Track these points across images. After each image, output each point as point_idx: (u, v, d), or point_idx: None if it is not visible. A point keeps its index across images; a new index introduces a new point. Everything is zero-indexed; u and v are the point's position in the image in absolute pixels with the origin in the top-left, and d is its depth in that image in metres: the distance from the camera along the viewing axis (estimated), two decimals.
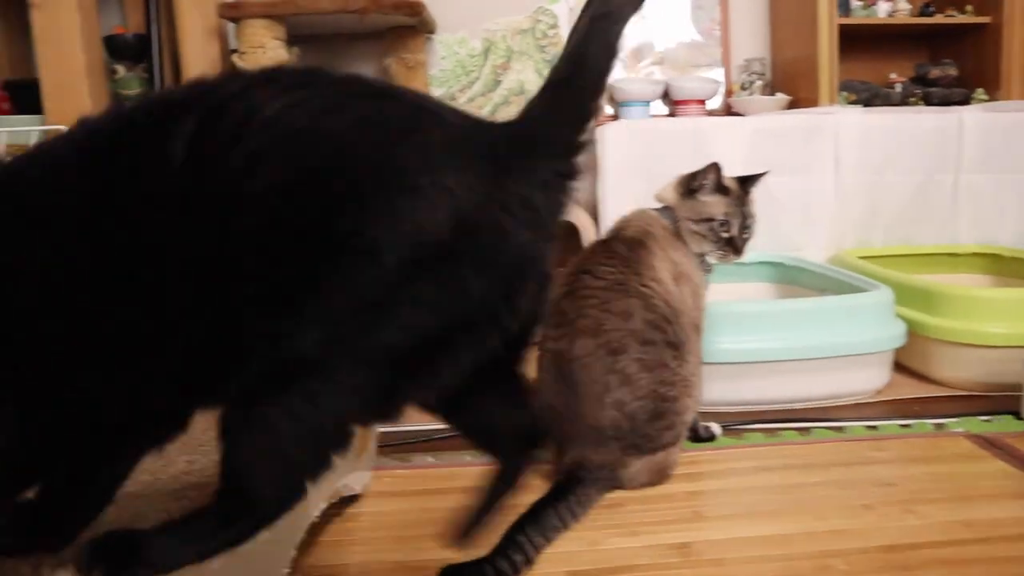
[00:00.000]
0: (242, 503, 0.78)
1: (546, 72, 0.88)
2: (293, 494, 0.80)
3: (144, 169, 0.72)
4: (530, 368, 1.54)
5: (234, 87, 0.75)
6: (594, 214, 2.47)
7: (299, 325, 0.71)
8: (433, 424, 1.84)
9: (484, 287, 0.74)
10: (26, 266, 0.73)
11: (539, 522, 1.22)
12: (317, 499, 1.21)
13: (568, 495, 1.30)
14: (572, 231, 2.40)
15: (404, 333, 0.73)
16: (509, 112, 2.91)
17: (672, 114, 2.95)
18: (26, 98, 2.57)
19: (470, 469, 1.64)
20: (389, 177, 0.71)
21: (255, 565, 0.94)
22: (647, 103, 2.88)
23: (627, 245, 1.52)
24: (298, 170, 0.70)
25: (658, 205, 1.65)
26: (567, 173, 0.80)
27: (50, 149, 0.79)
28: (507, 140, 0.78)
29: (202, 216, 0.71)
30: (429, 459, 1.69)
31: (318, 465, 0.79)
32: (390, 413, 0.80)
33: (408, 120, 0.75)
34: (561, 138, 0.80)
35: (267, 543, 0.92)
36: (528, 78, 2.95)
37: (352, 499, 1.44)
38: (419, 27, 2.68)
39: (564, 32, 2.96)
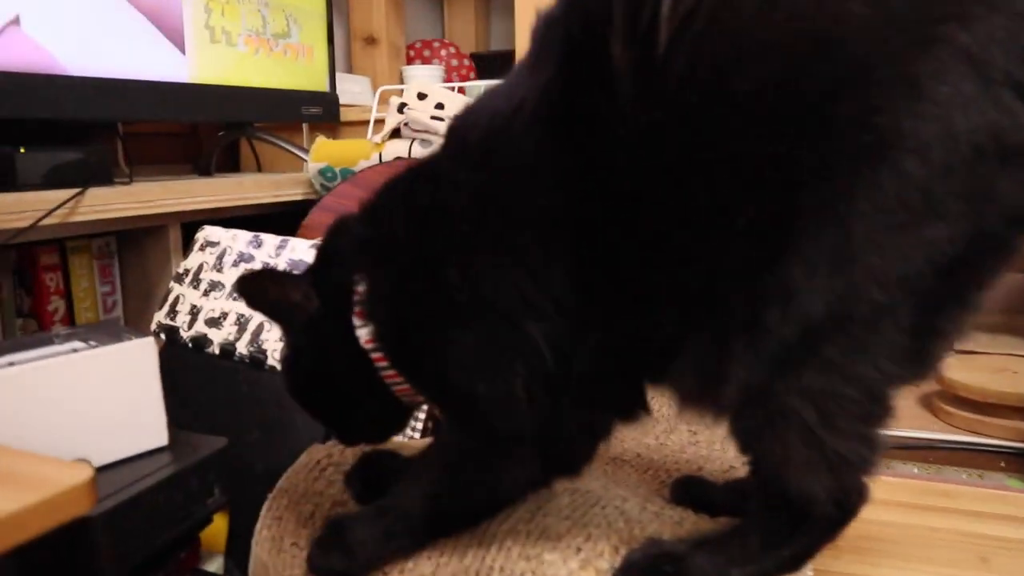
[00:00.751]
0: (795, 513, 0.67)
1: None
2: (857, 496, 0.67)
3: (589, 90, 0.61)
4: None
5: None
6: None
7: (807, 270, 0.58)
8: (918, 431, 1.69)
9: (1010, 188, 0.57)
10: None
11: None
12: None
13: None
14: None
15: (929, 256, 0.57)
16: None
17: None
18: (489, 70, 2.76)
19: (964, 489, 1.42)
20: (897, 41, 0.55)
21: None
22: None
23: None
24: (791, 54, 0.56)
25: None
26: None
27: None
28: None
29: (668, 132, 0.59)
30: (913, 469, 1.49)
31: (872, 452, 0.65)
32: (925, 366, 0.65)
33: None
34: None
35: None
36: None
37: None
38: None
39: None
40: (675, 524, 0.75)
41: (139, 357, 0.91)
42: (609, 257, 0.64)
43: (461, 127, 0.70)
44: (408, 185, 0.72)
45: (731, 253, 0.60)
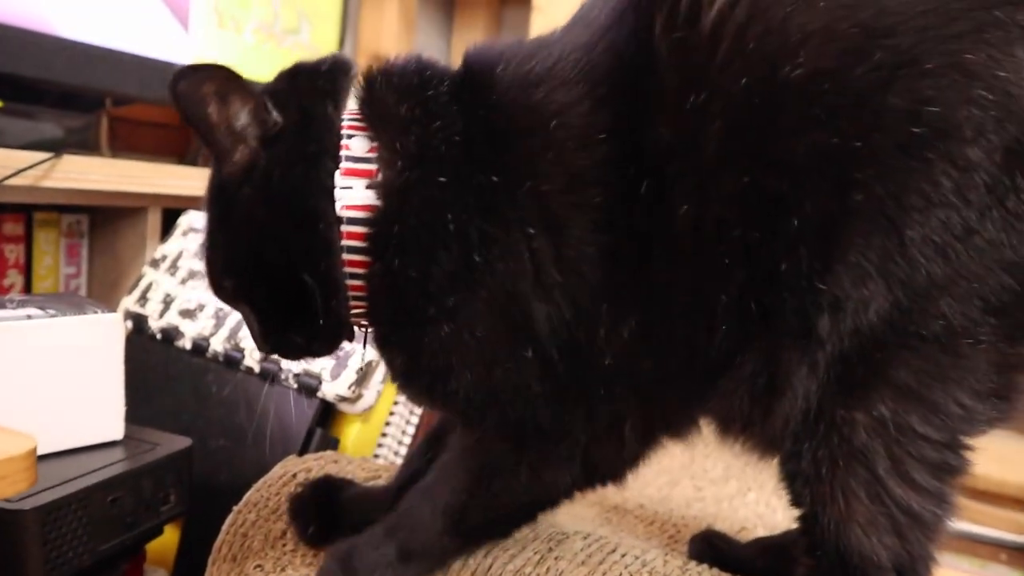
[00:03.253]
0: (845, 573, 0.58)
1: None
2: (924, 567, 0.59)
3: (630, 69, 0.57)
4: None
5: None
6: None
7: (854, 276, 0.53)
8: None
9: None
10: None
11: None
12: None
13: None
14: None
15: (1006, 265, 0.52)
16: None
17: None
18: None
19: None
20: (948, 28, 0.52)
21: None
22: None
23: None
24: (841, 42, 0.53)
25: None
26: None
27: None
28: None
29: (705, 130, 0.55)
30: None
31: (945, 514, 0.58)
32: (1009, 407, 0.58)
33: None
34: None
35: None
36: None
37: None
38: None
39: None
40: None
41: (103, 334, 0.80)
42: (647, 245, 0.57)
43: (487, 65, 0.61)
44: (443, 95, 0.60)
45: (785, 255, 0.55)
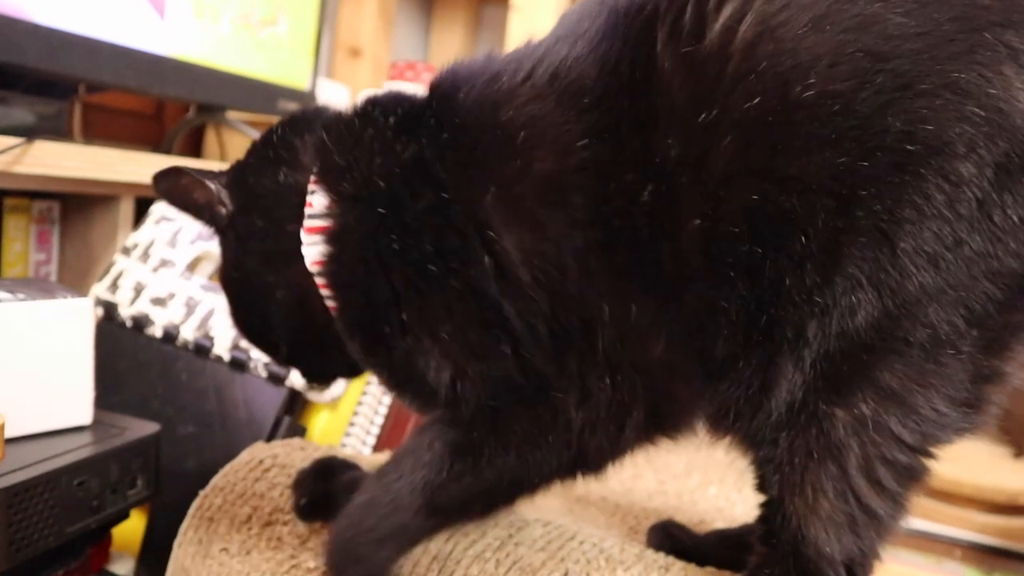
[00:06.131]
0: (800, 571, 0.60)
1: None
2: (869, 567, 0.61)
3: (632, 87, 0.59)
4: None
5: None
6: None
7: (846, 284, 0.55)
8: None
9: None
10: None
11: None
12: None
13: None
14: None
15: (991, 275, 0.55)
16: None
17: None
18: None
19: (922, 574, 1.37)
20: (941, 49, 0.54)
21: None
22: None
23: None
24: (857, 64, 0.55)
25: None
26: None
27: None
28: None
29: (716, 139, 0.56)
30: None
31: (898, 520, 0.60)
32: (979, 416, 0.60)
33: None
34: None
35: None
36: None
37: None
38: None
39: None
40: (661, 569, 0.68)
41: (74, 319, 0.80)
42: (649, 247, 0.59)
43: (449, 91, 0.64)
44: (389, 130, 0.64)
45: (792, 271, 0.56)
